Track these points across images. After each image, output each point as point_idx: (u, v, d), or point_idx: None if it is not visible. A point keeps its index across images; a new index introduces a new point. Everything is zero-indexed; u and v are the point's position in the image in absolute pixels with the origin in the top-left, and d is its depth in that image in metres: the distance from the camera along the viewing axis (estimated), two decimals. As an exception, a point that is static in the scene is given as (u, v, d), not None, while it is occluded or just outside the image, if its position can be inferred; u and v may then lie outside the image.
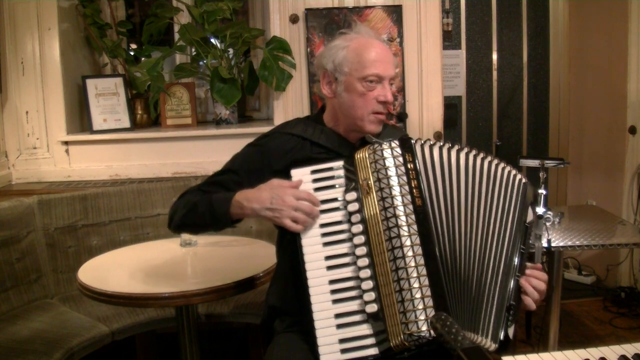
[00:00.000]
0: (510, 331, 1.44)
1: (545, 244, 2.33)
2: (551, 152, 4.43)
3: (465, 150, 1.49)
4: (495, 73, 4.33)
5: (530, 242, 1.54)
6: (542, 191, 2.42)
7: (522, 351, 2.35)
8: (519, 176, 1.53)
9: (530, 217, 1.54)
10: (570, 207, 3.70)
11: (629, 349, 1.24)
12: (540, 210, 2.34)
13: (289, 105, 3.06)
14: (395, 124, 2.98)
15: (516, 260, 1.46)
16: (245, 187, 1.55)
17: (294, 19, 3.00)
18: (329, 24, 2.99)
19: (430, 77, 3.05)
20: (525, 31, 4.31)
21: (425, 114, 3.07)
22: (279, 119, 3.02)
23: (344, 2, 3.01)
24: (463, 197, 1.44)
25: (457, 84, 4.29)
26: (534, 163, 2.63)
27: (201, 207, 1.59)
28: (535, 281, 1.48)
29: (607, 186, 3.90)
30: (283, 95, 3.04)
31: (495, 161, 1.50)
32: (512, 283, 1.44)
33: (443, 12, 3.89)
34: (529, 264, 1.53)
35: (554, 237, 2.41)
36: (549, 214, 2.32)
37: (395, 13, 3.00)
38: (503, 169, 1.50)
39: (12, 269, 2.41)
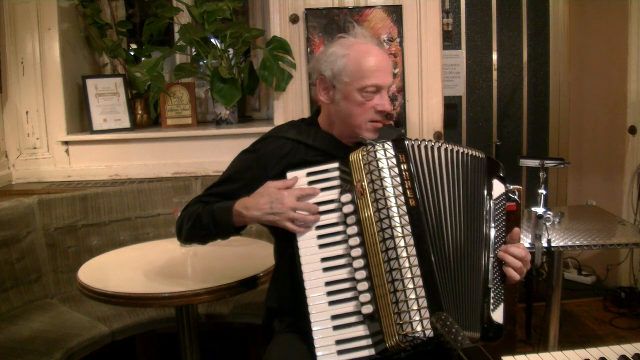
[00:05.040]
0: (497, 315, 1.45)
1: (545, 244, 2.33)
2: (551, 152, 4.43)
3: (445, 146, 1.50)
4: (495, 73, 4.32)
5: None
6: (542, 191, 2.44)
7: (522, 351, 2.35)
8: (478, 155, 1.55)
9: (498, 192, 1.55)
10: (570, 207, 3.70)
11: (629, 349, 1.24)
12: (540, 210, 2.35)
13: (289, 105, 3.06)
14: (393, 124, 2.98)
15: (485, 240, 1.47)
16: (244, 195, 1.55)
17: (294, 19, 3.00)
18: (329, 24, 2.98)
19: (430, 77, 3.05)
20: (525, 31, 4.30)
21: (425, 114, 3.07)
22: (279, 119, 3.02)
23: (344, 2, 3.00)
24: (447, 193, 1.46)
25: (457, 84, 4.29)
26: (534, 163, 2.63)
27: (204, 219, 1.60)
28: (513, 249, 1.49)
29: (607, 186, 3.90)
30: (283, 95, 3.04)
31: (465, 150, 1.53)
32: (485, 264, 1.46)
33: (443, 12, 3.89)
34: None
35: (554, 237, 2.41)
36: (549, 214, 2.33)
37: (395, 13, 3.00)
38: (469, 155, 1.53)
39: (12, 269, 2.41)
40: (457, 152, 1.51)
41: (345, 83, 1.55)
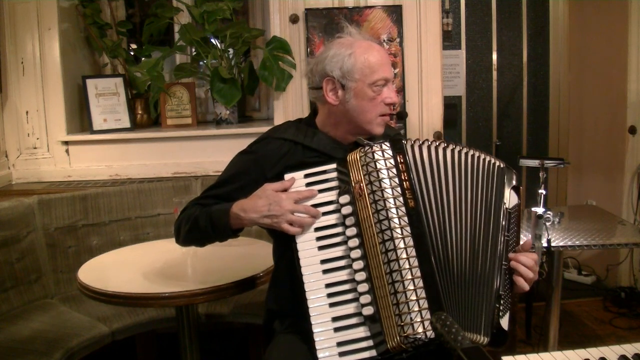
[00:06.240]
0: (504, 322, 1.45)
1: (545, 244, 2.33)
2: (551, 152, 4.43)
3: (451, 146, 1.49)
4: (495, 73, 4.33)
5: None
6: (542, 191, 2.45)
7: (522, 351, 2.35)
8: (497, 163, 1.53)
9: (513, 202, 1.53)
10: (570, 207, 3.70)
11: (629, 349, 1.24)
12: (540, 210, 2.35)
13: (289, 105, 3.06)
14: (395, 123, 2.98)
15: (499, 247, 1.46)
16: (242, 197, 1.55)
17: (294, 19, 3.00)
18: (329, 24, 2.99)
19: (430, 77, 3.05)
20: (525, 31, 4.31)
21: (425, 114, 3.07)
22: (279, 119, 3.02)
23: (344, 2, 3.01)
24: (452, 194, 1.45)
25: (457, 84, 4.29)
26: (534, 163, 2.63)
27: (202, 222, 1.59)
28: (525, 260, 1.48)
29: (607, 186, 3.90)
30: (283, 95, 3.04)
31: (477, 154, 1.51)
32: (496, 271, 1.44)
33: (443, 12, 3.89)
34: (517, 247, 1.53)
35: (554, 237, 2.41)
36: (549, 214, 2.33)
37: (395, 13, 3.00)
38: (484, 160, 1.51)
39: (12, 269, 2.41)
40: (467, 154, 1.49)
41: (357, 80, 1.55)
